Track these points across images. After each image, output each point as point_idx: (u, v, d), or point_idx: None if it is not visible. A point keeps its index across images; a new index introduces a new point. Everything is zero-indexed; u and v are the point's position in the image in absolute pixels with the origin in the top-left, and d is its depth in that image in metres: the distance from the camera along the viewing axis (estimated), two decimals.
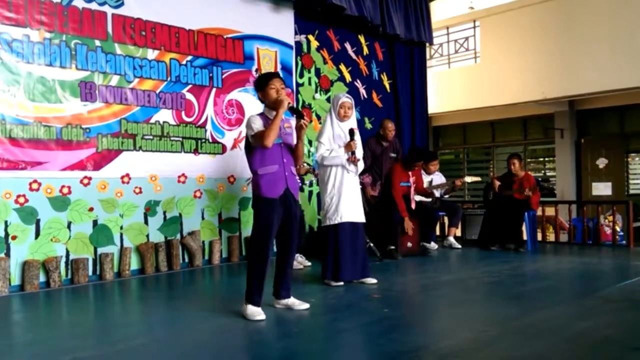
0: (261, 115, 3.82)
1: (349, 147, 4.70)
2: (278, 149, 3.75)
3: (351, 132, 4.72)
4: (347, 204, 4.74)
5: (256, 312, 3.64)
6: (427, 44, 9.40)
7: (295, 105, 3.84)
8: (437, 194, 7.49)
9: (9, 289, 4.68)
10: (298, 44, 7.14)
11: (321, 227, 4.93)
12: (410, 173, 6.48)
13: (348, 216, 4.74)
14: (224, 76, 6.33)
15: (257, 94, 3.89)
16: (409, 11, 8.34)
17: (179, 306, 4.17)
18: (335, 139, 4.76)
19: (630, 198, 10.00)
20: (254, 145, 3.74)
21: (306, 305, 3.88)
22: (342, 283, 4.73)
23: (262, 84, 3.80)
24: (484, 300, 4.43)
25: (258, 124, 3.71)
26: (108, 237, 5.40)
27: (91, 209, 5.28)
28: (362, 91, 7.92)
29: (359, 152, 4.77)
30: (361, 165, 4.84)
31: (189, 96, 6.04)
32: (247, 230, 6.41)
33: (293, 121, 3.90)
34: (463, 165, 13.44)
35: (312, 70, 7.32)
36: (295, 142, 3.89)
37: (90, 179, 5.28)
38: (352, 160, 4.71)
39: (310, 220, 7.02)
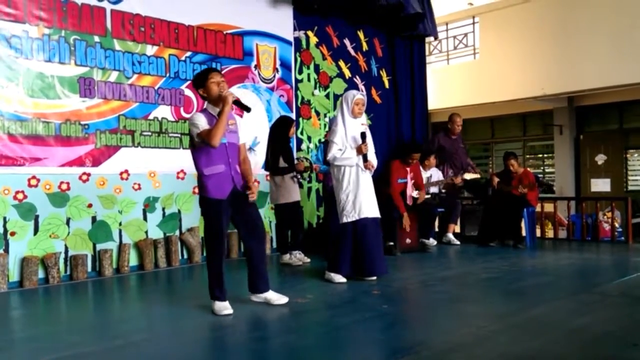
0: (204, 112, 3.73)
1: (360, 150, 4.72)
2: (223, 149, 3.67)
3: (363, 135, 4.74)
4: (364, 201, 4.74)
5: (222, 307, 3.69)
6: (427, 40, 9.38)
7: (239, 99, 3.76)
8: (435, 190, 7.49)
9: (7, 285, 4.68)
10: (297, 40, 7.12)
11: (337, 223, 4.87)
12: (408, 169, 6.48)
13: (366, 212, 4.74)
14: (223, 72, 6.30)
15: (198, 91, 3.78)
16: None
17: (178, 302, 4.18)
18: (348, 137, 4.76)
19: (629, 194, 10.01)
20: (199, 145, 3.66)
21: (285, 300, 3.85)
22: (344, 280, 4.73)
23: (202, 80, 3.72)
24: (482, 296, 4.43)
25: (202, 122, 3.62)
26: (107, 233, 5.40)
27: (90, 205, 5.28)
28: (362, 87, 7.90)
29: (371, 155, 4.80)
30: (374, 166, 4.84)
31: (188, 92, 6.02)
32: None
33: (238, 119, 3.83)
34: None
35: (311, 66, 7.30)
36: (242, 140, 3.83)
37: (89, 175, 5.28)
38: (366, 166, 4.74)
39: (310, 216, 7.02)
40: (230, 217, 3.76)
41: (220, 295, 3.73)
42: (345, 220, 4.75)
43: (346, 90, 7.15)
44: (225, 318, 3.61)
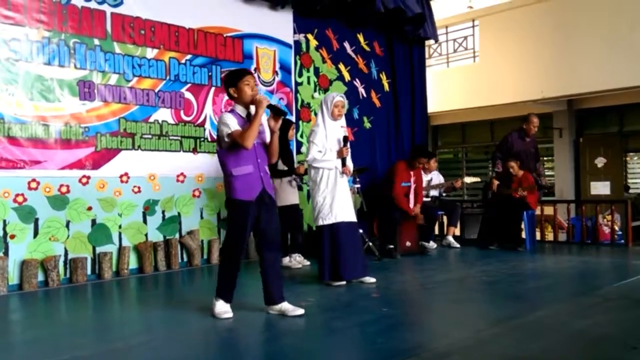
0: (233, 113, 3.67)
1: (340, 154, 4.73)
2: (253, 149, 3.61)
3: (345, 139, 4.76)
4: (342, 204, 4.74)
5: (224, 310, 3.66)
6: (427, 43, 9.39)
7: (275, 104, 3.71)
8: (435, 193, 7.49)
9: (7, 288, 4.68)
10: (297, 43, 7.13)
11: (315, 227, 4.90)
12: (411, 172, 6.49)
13: (344, 216, 4.74)
14: (222, 75, 6.33)
15: (228, 90, 3.70)
16: None
17: (177, 305, 4.17)
18: (328, 139, 4.76)
19: (629, 197, 10.01)
20: (227, 145, 3.60)
21: (301, 311, 3.70)
22: (344, 282, 4.72)
23: (235, 80, 3.65)
24: (482, 299, 4.43)
25: (233, 123, 3.56)
26: (107, 236, 5.39)
27: (90, 208, 5.27)
28: (361, 90, 7.91)
29: (349, 160, 4.82)
30: (351, 171, 4.89)
31: (188, 95, 6.03)
32: None
33: (264, 118, 3.73)
34: (462, 164, 13.44)
35: (311, 69, 7.31)
36: (268, 139, 3.75)
37: (89, 178, 5.28)
38: (344, 171, 4.75)
39: (309, 219, 7.00)
40: (260, 219, 3.66)
41: (229, 297, 3.70)
42: (321, 222, 4.74)
43: (346, 93, 7.20)
44: (225, 321, 3.60)
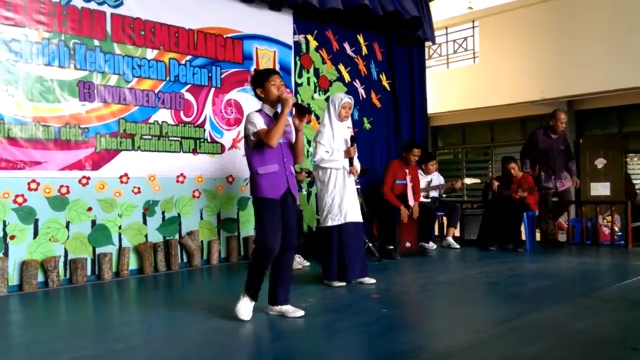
0: (260, 112, 3.71)
1: (348, 153, 4.74)
2: (279, 148, 3.65)
3: (352, 138, 4.76)
4: (349, 205, 4.74)
5: (244, 312, 3.59)
6: (427, 44, 9.40)
7: (300, 103, 3.75)
8: (436, 194, 7.49)
9: (7, 289, 4.68)
10: (297, 44, 7.13)
11: (321, 227, 4.90)
12: (407, 171, 6.48)
13: (351, 216, 4.75)
14: (223, 76, 6.33)
15: (255, 91, 3.75)
16: None
17: (177, 306, 4.17)
18: (335, 140, 4.76)
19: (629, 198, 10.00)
20: (253, 144, 3.65)
21: (301, 313, 3.70)
22: (344, 284, 4.73)
23: (262, 80, 3.70)
24: (482, 300, 4.43)
25: (260, 122, 3.60)
26: (107, 237, 5.39)
27: (90, 209, 5.28)
28: (361, 91, 7.91)
29: (356, 160, 4.83)
30: (358, 171, 4.88)
31: (188, 96, 6.03)
32: (246, 230, 6.42)
33: (290, 119, 3.78)
34: (462, 165, 13.43)
35: (311, 70, 7.31)
36: (294, 139, 3.79)
37: (89, 179, 5.28)
38: (351, 171, 4.75)
39: (309, 220, 7.01)
40: (281, 218, 3.66)
41: (257, 295, 3.66)
42: (330, 223, 4.74)
43: (346, 94, 7.18)
44: (225, 323, 3.59)
